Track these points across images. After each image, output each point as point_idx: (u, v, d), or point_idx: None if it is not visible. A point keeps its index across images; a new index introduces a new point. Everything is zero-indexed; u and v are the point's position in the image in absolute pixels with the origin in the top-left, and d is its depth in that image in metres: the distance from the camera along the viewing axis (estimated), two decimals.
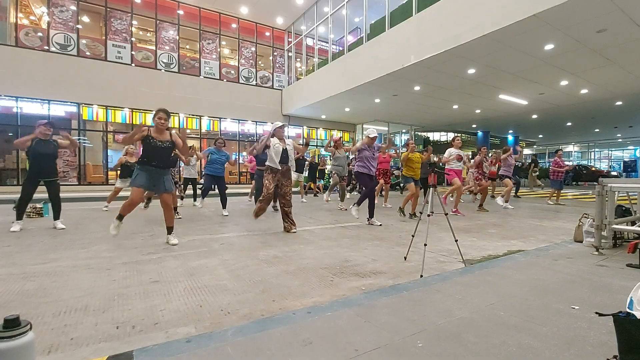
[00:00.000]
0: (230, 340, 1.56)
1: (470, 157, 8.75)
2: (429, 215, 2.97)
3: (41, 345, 1.58)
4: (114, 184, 10.88)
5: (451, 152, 6.73)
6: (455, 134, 7.04)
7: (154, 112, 3.83)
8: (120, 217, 3.74)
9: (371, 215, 5.30)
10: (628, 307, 1.34)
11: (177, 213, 5.94)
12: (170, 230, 3.92)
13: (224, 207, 6.34)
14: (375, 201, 7.51)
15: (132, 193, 3.67)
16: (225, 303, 2.14)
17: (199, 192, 8.07)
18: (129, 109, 12.94)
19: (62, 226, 4.72)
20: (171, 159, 4.04)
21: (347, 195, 9.75)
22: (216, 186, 6.32)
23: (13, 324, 1.06)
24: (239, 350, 1.48)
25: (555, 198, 8.88)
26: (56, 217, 4.79)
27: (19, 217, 4.59)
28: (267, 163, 4.68)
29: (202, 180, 6.53)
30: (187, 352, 1.45)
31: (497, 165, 8.36)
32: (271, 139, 4.74)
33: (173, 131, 3.96)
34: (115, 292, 2.29)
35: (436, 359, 1.42)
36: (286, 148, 4.71)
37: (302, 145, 6.36)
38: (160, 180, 3.81)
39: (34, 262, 3.02)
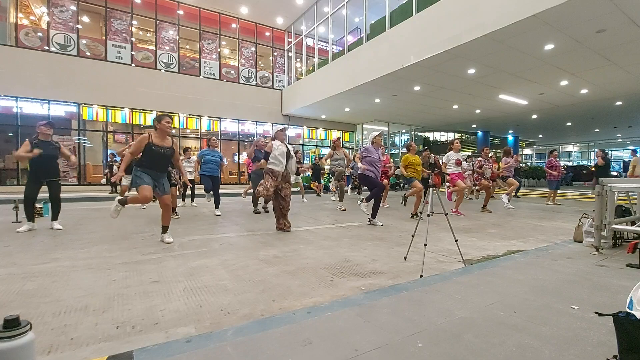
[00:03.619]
0: (230, 340, 1.55)
1: (469, 161, 8.74)
2: (429, 215, 2.98)
3: (41, 345, 1.58)
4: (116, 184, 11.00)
5: (450, 156, 6.66)
6: (455, 138, 6.95)
7: (159, 116, 3.78)
8: (123, 202, 3.66)
9: (373, 215, 5.30)
10: (628, 307, 1.34)
11: (176, 213, 5.94)
12: (165, 229, 3.93)
13: (216, 207, 6.39)
14: (385, 204, 7.56)
15: (140, 192, 3.62)
16: (225, 303, 2.14)
17: (196, 192, 8.09)
18: (129, 109, 12.95)
19: (59, 227, 4.70)
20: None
21: (348, 193, 9.79)
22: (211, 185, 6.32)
23: (13, 324, 1.06)
24: (238, 350, 1.48)
25: (552, 198, 8.87)
26: (54, 217, 4.78)
27: (30, 217, 4.56)
28: (269, 166, 4.59)
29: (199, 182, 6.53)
30: (187, 352, 1.45)
31: (497, 166, 8.36)
32: (273, 141, 4.70)
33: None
34: (115, 292, 2.29)
35: (436, 358, 1.42)
36: (289, 149, 4.70)
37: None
38: (160, 181, 3.82)
39: (34, 262, 3.02)
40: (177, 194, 6.03)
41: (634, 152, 11.13)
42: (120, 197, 3.71)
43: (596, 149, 31.57)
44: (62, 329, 1.76)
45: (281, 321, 1.76)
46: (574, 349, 1.50)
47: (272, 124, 16.04)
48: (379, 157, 5.33)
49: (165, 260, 3.11)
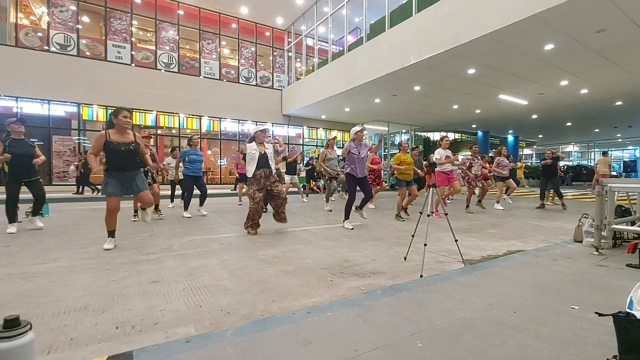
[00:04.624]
0: (230, 341, 1.55)
1: (459, 158, 8.59)
2: (428, 216, 2.97)
3: (41, 345, 1.58)
4: None
5: (440, 153, 6.30)
6: (445, 135, 6.79)
7: (115, 110, 3.57)
8: (111, 234, 3.63)
9: (360, 206, 5.15)
10: (628, 307, 1.34)
11: (159, 211, 5.91)
12: (144, 209, 4.00)
13: (201, 204, 6.35)
14: (370, 205, 7.53)
15: (106, 203, 3.55)
16: (225, 303, 2.14)
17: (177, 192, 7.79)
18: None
19: (40, 224, 4.59)
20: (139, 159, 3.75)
21: (335, 197, 9.78)
22: (196, 186, 6.16)
23: (13, 324, 1.06)
24: (238, 350, 1.47)
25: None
26: (35, 212, 4.60)
27: (11, 219, 4.38)
28: (248, 174, 4.44)
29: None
30: (186, 352, 1.45)
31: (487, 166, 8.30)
32: (248, 144, 4.46)
33: (137, 133, 3.78)
34: (114, 292, 2.29)
35: (436, 359, 1.42)
36: (265, 153, 4.42)
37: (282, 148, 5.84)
38: (132, 182, 3.63)
39: (34, 262, 3.02)
40: (158, 191, 5.88)
41: (605, 153, 11.38)
42: (108, 232, 3.63)
43: (596, 149, 31.65)
44: (62, 329, 1.76)
45: (281, 321, 1.76)
46: (574, 349, 1.49)
47: (272, 123, 16.04)
48: (359, 153, 4.96)
49: (165, 261, 3.11)
